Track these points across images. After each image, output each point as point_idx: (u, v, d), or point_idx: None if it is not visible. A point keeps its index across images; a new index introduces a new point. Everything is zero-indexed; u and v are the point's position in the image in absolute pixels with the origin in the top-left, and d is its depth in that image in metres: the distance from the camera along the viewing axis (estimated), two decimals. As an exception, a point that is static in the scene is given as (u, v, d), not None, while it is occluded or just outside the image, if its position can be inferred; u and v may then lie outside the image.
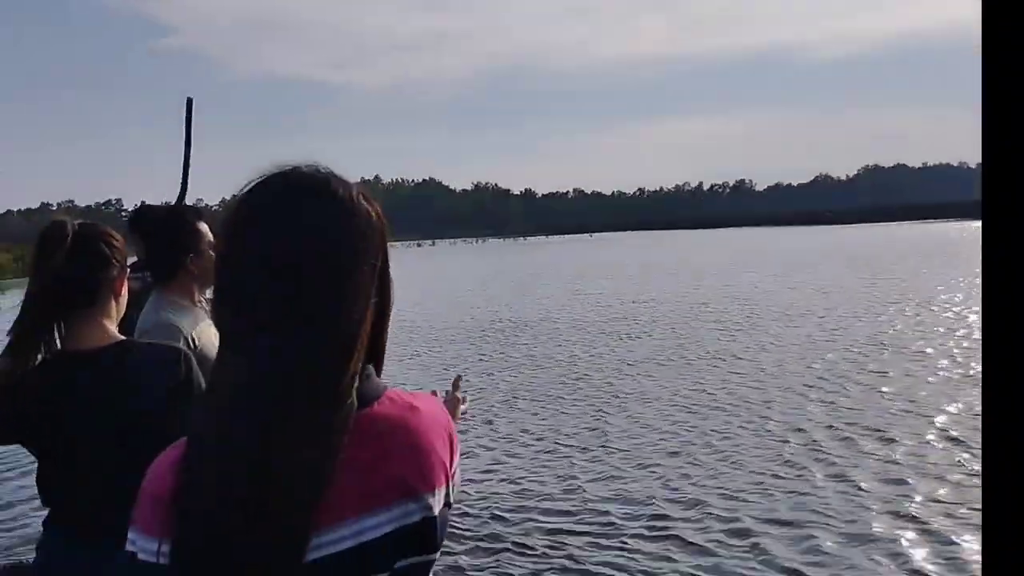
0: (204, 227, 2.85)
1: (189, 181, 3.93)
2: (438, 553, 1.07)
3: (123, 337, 2.07)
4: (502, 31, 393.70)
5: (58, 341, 2.02)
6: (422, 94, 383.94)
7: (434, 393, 1.85)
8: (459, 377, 2.29)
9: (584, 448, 7.85)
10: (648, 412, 9.09)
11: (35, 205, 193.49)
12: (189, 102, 3.83)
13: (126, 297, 2.14)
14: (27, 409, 1.96)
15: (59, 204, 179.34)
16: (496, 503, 6.38)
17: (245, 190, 1.05)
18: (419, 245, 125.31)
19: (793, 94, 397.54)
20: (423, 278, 36.81)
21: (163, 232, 2.84)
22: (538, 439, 8.25)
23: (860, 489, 6.20)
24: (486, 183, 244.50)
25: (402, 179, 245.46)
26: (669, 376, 11.08)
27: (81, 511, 1.95)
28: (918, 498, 5.94)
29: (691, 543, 5.41)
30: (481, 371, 12.34)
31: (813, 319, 15.89)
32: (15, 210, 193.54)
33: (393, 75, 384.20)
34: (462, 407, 2.19)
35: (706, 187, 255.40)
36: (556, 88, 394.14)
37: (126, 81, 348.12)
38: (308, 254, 0.99)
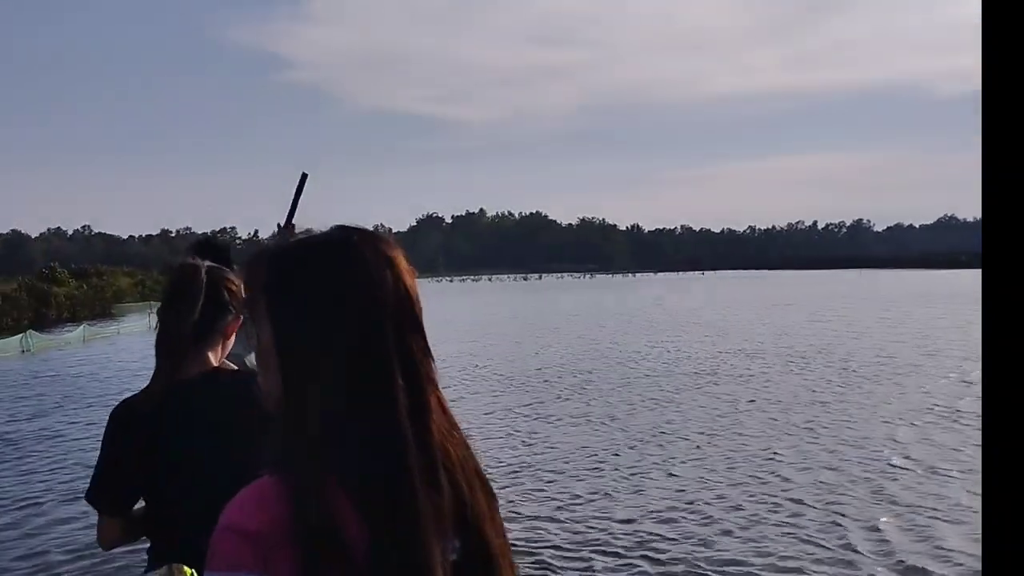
0: None
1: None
2: None
3: (216, 365, 2.17)
4: (611, 65, 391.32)
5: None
6: (529, 128, 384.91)
7: None
8: None
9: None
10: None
11: (155, 232, 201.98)
12: (303, 177, 3.89)
13: (233, 337, 2.29)
14: (140, 435, 2.07)
15: (177, 231, 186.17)
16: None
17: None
18: (526, 279, 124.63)
19: (914, 130, 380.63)
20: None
21: None
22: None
23: None
24: (592, 217, 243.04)
25: (508, 212, 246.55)
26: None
27: (181, 539, 1.96)
28: None
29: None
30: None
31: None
32: (136, 236, 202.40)
33: (500, 109, 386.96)
34: None
35: (821, 226, 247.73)
36: (665, 122, 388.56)
37: (247, 112, 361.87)
38: None
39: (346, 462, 1.04)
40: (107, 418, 2.14)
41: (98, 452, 2.14)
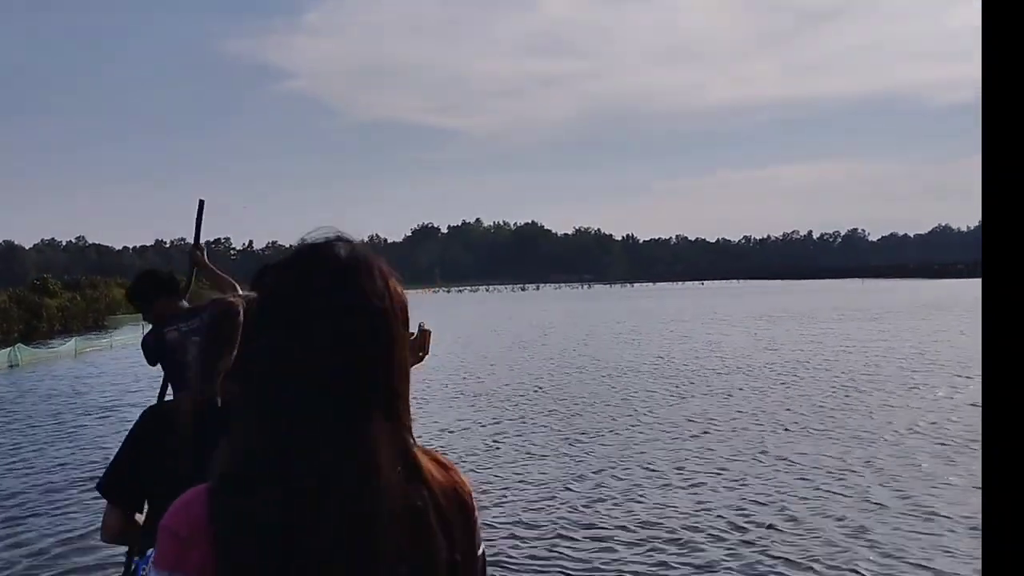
0: None
1: (193, 280, 4.35)
2: None
3: None
4: (608, 75, 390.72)
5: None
6: (526, 138, 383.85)
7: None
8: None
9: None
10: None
11: (150, 242, 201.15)
12: (201, 204, 4.21)
13: None
14: (163, 443, 2.22)
15: (172, 242, 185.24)
16: None
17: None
18: (523, 289, 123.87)
19: (908, 141, 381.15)
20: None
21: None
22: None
23: None
24: (588, 227, 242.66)
25: (504, 222, 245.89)
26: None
27: None
28: None
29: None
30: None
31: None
32: (131, 247, 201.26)
33: (498, 120, 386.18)
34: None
35: (816, 236, 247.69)
36: (660, 132, 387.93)
37: (245, 122, 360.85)
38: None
39: (271, 469, 1.06)
40: (134, 420, 2.31)
41: (115, 450, 2.27)
